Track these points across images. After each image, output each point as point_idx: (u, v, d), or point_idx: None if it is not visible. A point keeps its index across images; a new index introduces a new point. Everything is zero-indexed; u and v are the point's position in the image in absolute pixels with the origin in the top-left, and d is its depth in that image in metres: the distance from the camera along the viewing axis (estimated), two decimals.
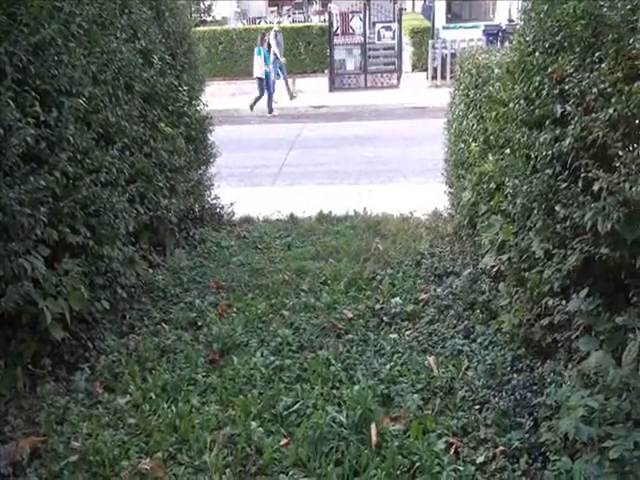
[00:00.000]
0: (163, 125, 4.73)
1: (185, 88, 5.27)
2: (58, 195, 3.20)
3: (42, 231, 3.04)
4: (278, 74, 15.81)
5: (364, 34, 18.04)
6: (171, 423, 2.95)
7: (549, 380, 2.86)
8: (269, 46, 15.34)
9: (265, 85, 14.65)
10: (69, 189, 3.30)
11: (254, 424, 2.90)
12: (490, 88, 4.01)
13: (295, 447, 2.74)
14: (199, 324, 4.03)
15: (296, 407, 3.02)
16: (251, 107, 14.82)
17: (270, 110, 14.77)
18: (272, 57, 15.23)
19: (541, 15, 3.00)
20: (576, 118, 2.67)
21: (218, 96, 13.53)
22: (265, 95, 14.72)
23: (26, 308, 3.00)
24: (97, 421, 2.97)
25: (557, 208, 2.82)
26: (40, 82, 3.07)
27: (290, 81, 16.47)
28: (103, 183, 3.64)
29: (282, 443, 2.79)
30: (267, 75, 14.60)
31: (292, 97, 15.88)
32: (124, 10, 4.17)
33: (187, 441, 2.83)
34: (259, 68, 14.51)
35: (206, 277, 4.81)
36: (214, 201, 6.26)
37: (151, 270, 4.60)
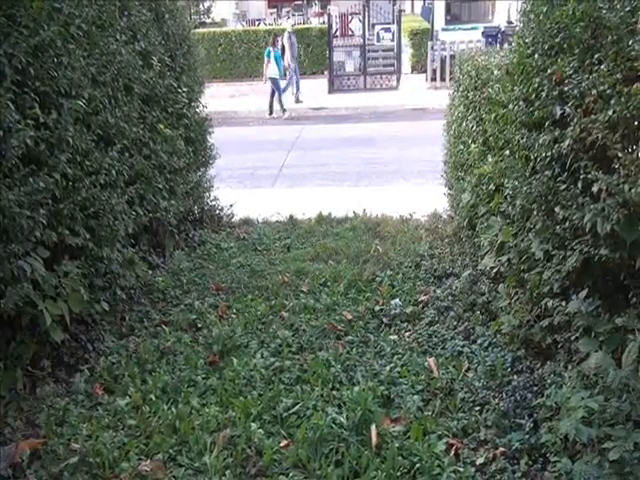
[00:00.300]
0: (162, 127, 4.73)
1: (184, 90, 5.27)
2: (57, 197, 3.20)
3: (41, 233, 3.04)
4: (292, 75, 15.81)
5: (363, 36, 18.04)
6: (171, 425, 2.94)
7: (549, 381, 2.86)
8: (283, 48, 15.30)
9: (274, 86, 14.61)
10: (68, 191, 3.30)
11: (254, 425, 2.90)
12: (489, 90, 4.00)
13: (295, 448, 2.73)
14: (199, 326, 4.03)
15: (296, 408, 3.02)
16: (282, 108, 14.72)
17: (270, 111, 14.77)
18: (286, 61, 15.21)
19: (540, 17, 3.00)
20: (575, 120, 2.67)
21: (217, 98, 13.57)
22: (276, 94, 14.66)
23: (26, 310, 3.00)
24: (97, 423, 2.96)
25: (556, 209, 2.82)
26: (39, 84, 3.07)
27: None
28: (102, 185, 3.64)
29: (282, 444, 2.79)
30: (278, 77, 14.60)
31: (297, 101, 15.85)
32: (123, 12, 4.17)
33: (187, 443, 2.83)
34: (272, 69, 14.50)
35: (206, 279, 4.81)
36: (213, 203, 6.26)
37: (151, 272, 4.60)
